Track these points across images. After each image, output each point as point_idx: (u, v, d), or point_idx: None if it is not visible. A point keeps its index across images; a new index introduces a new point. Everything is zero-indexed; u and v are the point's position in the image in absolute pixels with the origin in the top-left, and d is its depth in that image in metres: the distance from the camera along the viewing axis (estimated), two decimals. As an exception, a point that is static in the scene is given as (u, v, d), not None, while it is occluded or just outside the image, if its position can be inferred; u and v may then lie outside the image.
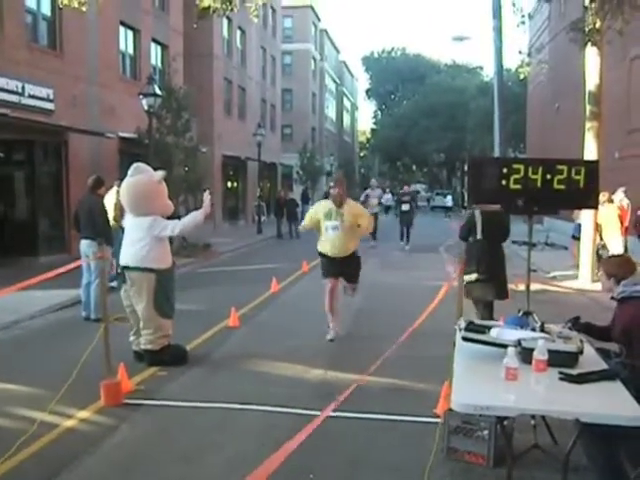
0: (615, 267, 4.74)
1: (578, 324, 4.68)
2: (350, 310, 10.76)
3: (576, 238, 15.10)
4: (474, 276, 7.40)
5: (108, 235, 9.25)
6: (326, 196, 22.36)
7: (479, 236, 6.30)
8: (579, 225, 14.84)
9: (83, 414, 5.66)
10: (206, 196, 7.33)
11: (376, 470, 4.69)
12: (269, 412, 5.75)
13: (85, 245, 9.50)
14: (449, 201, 49.66)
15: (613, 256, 5.34)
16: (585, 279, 13.57)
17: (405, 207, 22.34)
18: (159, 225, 7.03)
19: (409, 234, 21.90)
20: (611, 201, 13.93)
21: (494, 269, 7.44)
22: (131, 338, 7.36)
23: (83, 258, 9.39)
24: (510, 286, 7.90)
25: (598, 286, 4.96)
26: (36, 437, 5.05)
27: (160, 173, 7.18)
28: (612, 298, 4.66)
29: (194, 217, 7.19)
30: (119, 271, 7.48)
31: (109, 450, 4.99)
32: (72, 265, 7.02)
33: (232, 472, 4.52)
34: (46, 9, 16.39)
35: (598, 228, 13.89)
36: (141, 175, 7.13)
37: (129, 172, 7.20)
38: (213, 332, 9.01)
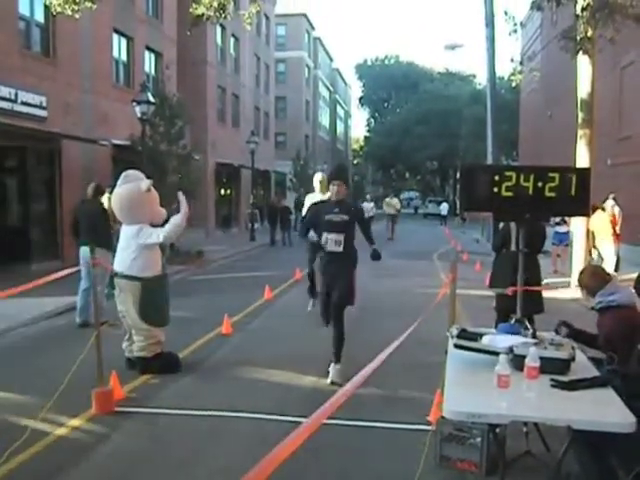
0: (586, 279, 4.80)
1: (566, 329, 4.70)
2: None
3: (554, 245, 16.18)
4: (510, 289, 7.14)
5: (109, 241, 9.32)
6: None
7: (513, 247, 6.10)
8: (556, 233, 15.65)
9: (74, 422, 5.63)
10: (181, 197, 7.37)
11: (367, 478, 4.68)
12: (261, 419, 5.74)
13: (85, 251, 9.51)
14: (444, 209, 47.66)
15: (585, 268, 5.37)
16: (577, 286, 13.59)
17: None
18: (144, 233, 7.04)
19: None
20: (603, 209, 14.00)
21: (529, 280, 6.73)
22: (124, 344, 7.34)
23: (83, 264, 9.40)
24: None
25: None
26: (27, 445, 5.01)
27: (147, 182, 7.15)
28: (592, 309, 4.70)
29: (175, 221, 7.15)
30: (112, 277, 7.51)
31: (101, 458, 4.97)
32: (71, 270, 7.07)
33: (224, 480, 4.50)
34: (39, 16, 16.37)
35: (590, 235, 13.95)
36: (129, 184, 7.12)
37: (118, 181, 7.22)
38: (206, 339, 8.99)
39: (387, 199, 32.71)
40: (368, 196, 30.83)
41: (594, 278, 4.79)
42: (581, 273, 5.01)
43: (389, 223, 30.94)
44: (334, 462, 4.93)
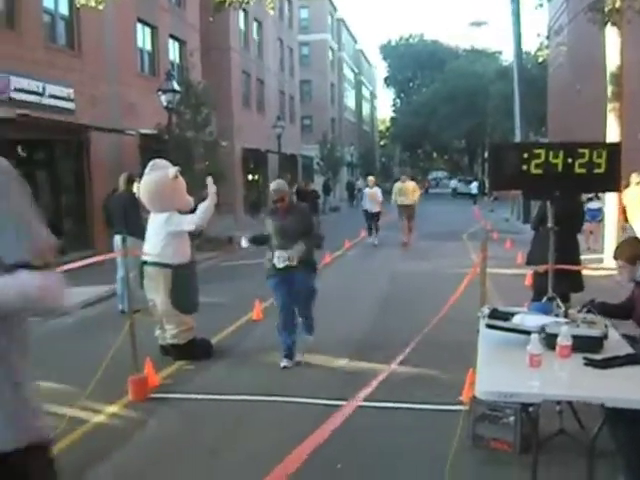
0: (626, 249, 4.70)
1: (594, 306, 4.65)
2: (375, 299, 10.79)
3: (587, 221, 15.27)
4: (543, 267, 6.97)
5: (141, 230, 9.44)
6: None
7: (550, 224, 5.94)
8: (588, 209, 15.10)
9: (112, 409, 5.74)
10: (209, 183, 7.38)
11: (402, 459, 4.71)
12: (294, 403, 5.80)
13: (119, 240, 9.66)
14: (474, 188, 46.97)
15: (622, 241, 5.26)
16: (610, 263, 13.42)
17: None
18: (174, 221, 7.09)
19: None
20: (638, 183, 13.75)
21: (567, 260, 6.74)
22: (157, 332, 7.44)
23: (117, 252, 9.53)
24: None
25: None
26: (66, 433, 5.13)
27: (174, 169, 7.20)
28: (633, 281, 4.63)
29: (205, 209, 7.16)
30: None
31: (138, 444, 5.06)
32: (103, 257, 7.17)
33: (259, 464, 4.53)
34: (64, 9, 16.48)
35: (624, 211, 13.73)
36: (157, 172, 7.19)
37: (146, 169, 7.28)
38: (237, 325, 9.07)
39: (398, 183, 20.25)
40: (370, 178, 20.78)
41: (635, 247, 4.70)
42: (618, 246, 4.93)
43: (402, 220, 19.89)
44: (368, 442, 4.96)
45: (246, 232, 7.58)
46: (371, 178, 20.65)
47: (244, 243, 7.31)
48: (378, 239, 19.51)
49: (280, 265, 6.69)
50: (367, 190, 20.22)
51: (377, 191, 19.74)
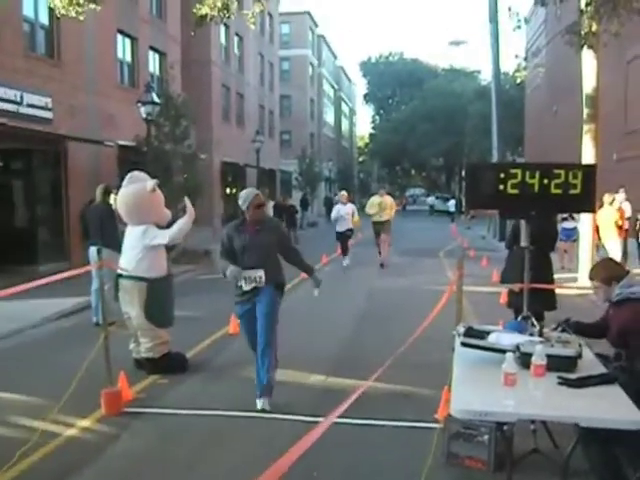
0: (601, 270, 4.76)
1: (569, 325, 4.70)
2: (351, 315, 10.79)
3: (561, 240, 15.47)
4: (517, 285, 6.94)
5: (117, 242, 9.36)
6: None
7: (523, 243, 5.93)
8: (563, 229, 15.43)
9: (84, 423, 5.67)
10: (187, 201, 7.35)
11: (377, 476, 4.70)
12: (271, 419, 5.76)
13: (94, 252, 9.58)
14: (452, 206, 47.24)
15: (598, 262, 5.34)
16: (584, 282, 13.57)
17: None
18: (150, 234, 7.06)
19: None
20: (610, 203, 13.96)
21: (540, 278, 6.83)
22: (131, 346, 7.38)
23: (92, 264, 9.45)
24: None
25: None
26: (37, 446, 5.05)
27: (152, 182, 7.17)
28: (608, 301, 4.68)
29: (181, 225, 7.12)
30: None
31: (111, 459, 5.00)
32: (80, 270, 7.08)
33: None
34: (44, 18, 16.40)
35: (598, 230, 13.92)
36: (134, 185, 7.16)
37: (124, 182, 7.25)
38: (213, 339, 9.01)
39: (375, 197, 18.43)
40: (342, 193, 18.75)
41: (610, 268, 4.76)
42: (594, 267, 4.99)
43: (379, 236, 18.11)
44: (342, 459, 4.95)
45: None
46: (344, 194, 18.32)
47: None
48: (349, 259, 17.62)
49: (247, 287, 5.98)
50: (339, 207, 17.65)
51: (350, 208, 17.62)
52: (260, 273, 5.94)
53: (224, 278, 6.11)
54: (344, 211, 17.37)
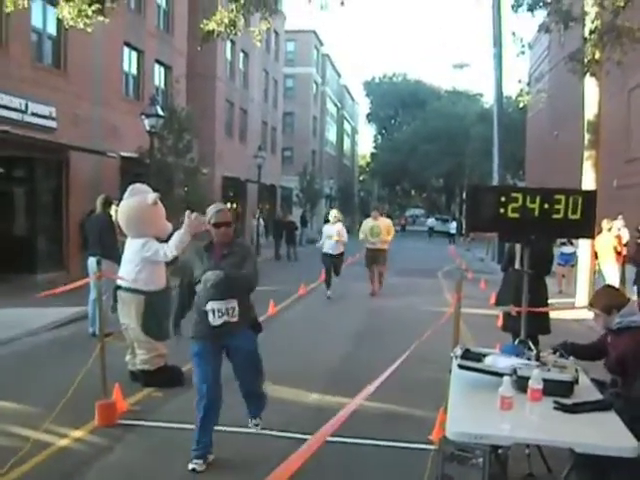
0: (602, 297, 4.78)
1: (564, 348, 4.71)
2: (348, 334, 10.77)
3: (560, 265, 15.87)
4: (512, 308, 7.00)
5: (115, 253, 9.35)
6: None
7: (517, 266, 5.88)
8: (561, 253, 15.68)
9: (77, 434, 5.64)
10: (187, 214, 6.95)
11: (370, 496, 4.68)
12: (264, 435, 5.74)
13: (93, 262, 9.58)
14: (453, 227, 47.00)
15: (600, 289, 5.34)
16: (581, 306, 13.56)
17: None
18: (150, 248, 7.04)
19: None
20: (609, 229, 14.00)
21: (534, 302, 6.56)
22: (127, 357, 7.37)
23: (91, 275, 9.44)
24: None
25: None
26: (29, 456, 5.02)
27: (153, 195, 7.16)
28: (607, 329, 4.69)
29: (179, 237, 6.92)
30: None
31: (102, 470, 4.97)
32: (82, 282, 7.09)
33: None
34: (52, 29, 16.54)
35: (596, 256, 13.95)
36: (135, 197, 7.16)
37: (126, 194, 7.26)
38: (209, 353, 8.96)
39: (369, 220, 16.07)
40: (333, 212, 15.96)
41: (611, 296, 4.78)
42: (595, 294, 5.00)
43: (371, 266, 15.78)
44: (335, 478, 4.92)
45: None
46: (334, 212, 15.72)
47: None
48: (333, 290, 14.97)
49: (217, 322, 5.01)
50: (327, 228, 15.29)
51: (340, 229, 14.98)
52: (233, 304, 5.02)
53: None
54: (331, 231, 14.92)
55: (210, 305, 4.97)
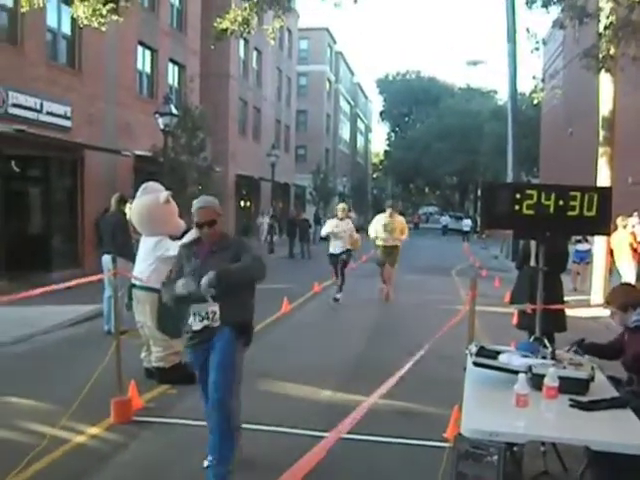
0: (619, 295, 4.75)
1: (581, 346, 4.68)
2: (362, 331, 10.76)
3: (575, 262, 15.72)
4: (527, 306, 6.98)
5: (130, 251, 9.40)
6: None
7: (533, 263, 5.83)
8: (576, 251, 15.54)
9: (93, 430, 5.68)
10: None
11: (384, 493, 4.68)
12: (278, 432, 5.75)
13: (107, 260, 9.65)
14: (467, 225, 46.57)
15: (616, 286, 5.29)
16: (597, 304, 13.49)
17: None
18: (163, 246, 7.07)
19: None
20: (624, 226, 13.90)
21: (550, 299, 6.42)
22: (143, 354, 7.40)
23: (105, 272, 9.50)
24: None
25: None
26: (46, 452, 5.06)
27: (165, 193, 7.18)
28: (625, 326, 4.66)
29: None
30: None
31: (118, 467, 5.00)
32: (95, 277, 7.15)
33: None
34: (66, 28, 16.64)
35: (612, 254, 13.86)
36: (148, 196, 7.19)
37: (138, 192, 7.29)
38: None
39: (382, 216, 14.80)
40: (341, 205, 14.58)
41: (627, 294, 4.75)
42: (612, 291, 4.97)
43: (384, 265, 14.46)
44: (350, 477, 4.93)
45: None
46: (342, 206, 14.34)
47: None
48: (344, 293, 13.79)
49: (197, 326, 4.65)
50: (332, 222, 13.89)
51: (348, 225, 13.78)
52: (214, 308, 4.59)
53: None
54: (340, 228, 13.58)
55: (192, 308, 4.65)
